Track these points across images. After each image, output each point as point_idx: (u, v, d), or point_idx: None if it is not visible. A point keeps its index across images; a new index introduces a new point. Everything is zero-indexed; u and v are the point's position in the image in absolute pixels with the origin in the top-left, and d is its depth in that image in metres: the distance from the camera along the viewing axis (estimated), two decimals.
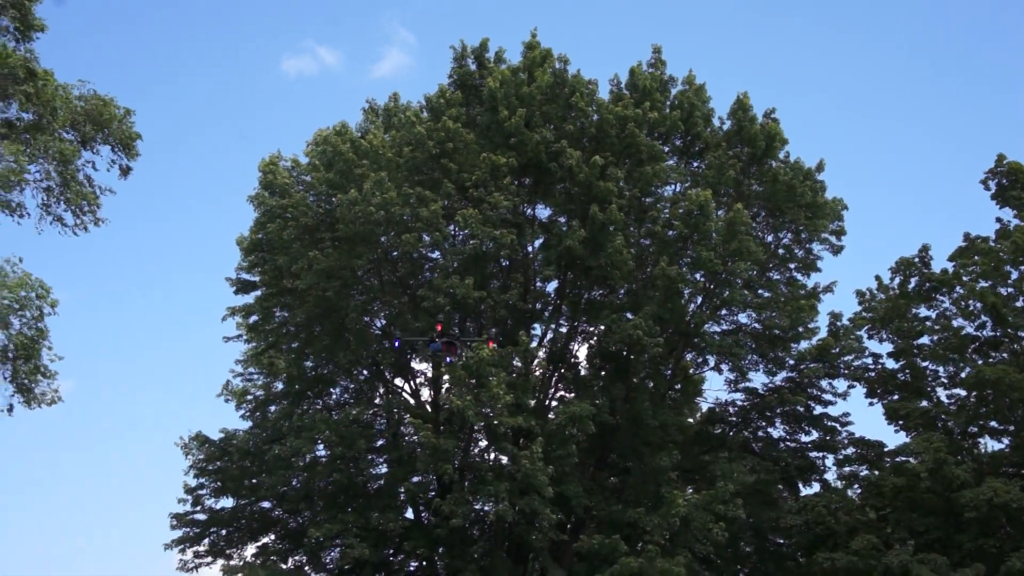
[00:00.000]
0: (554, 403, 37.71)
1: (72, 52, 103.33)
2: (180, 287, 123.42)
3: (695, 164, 39.38)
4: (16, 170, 26.26)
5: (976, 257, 39.43)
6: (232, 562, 38.18)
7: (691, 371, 40.00)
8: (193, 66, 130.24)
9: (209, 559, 39.11)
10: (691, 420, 41.31)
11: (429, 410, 37.08)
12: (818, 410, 40.70)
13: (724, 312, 39.13)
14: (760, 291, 38.65)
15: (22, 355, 27.38)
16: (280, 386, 40.15)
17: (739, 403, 41.44)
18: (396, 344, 33.94)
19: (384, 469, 38.32)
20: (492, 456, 35.26)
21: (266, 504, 39.01)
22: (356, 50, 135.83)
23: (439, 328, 30.97)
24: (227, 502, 39.33)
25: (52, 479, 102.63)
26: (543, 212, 38.45)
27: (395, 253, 35.52)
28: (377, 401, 38.06)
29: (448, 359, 32.08)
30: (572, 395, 37.53)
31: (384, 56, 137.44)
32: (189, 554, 38.92)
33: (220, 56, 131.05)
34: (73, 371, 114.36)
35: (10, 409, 27.68)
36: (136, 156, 29.36)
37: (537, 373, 36.67)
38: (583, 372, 38.67)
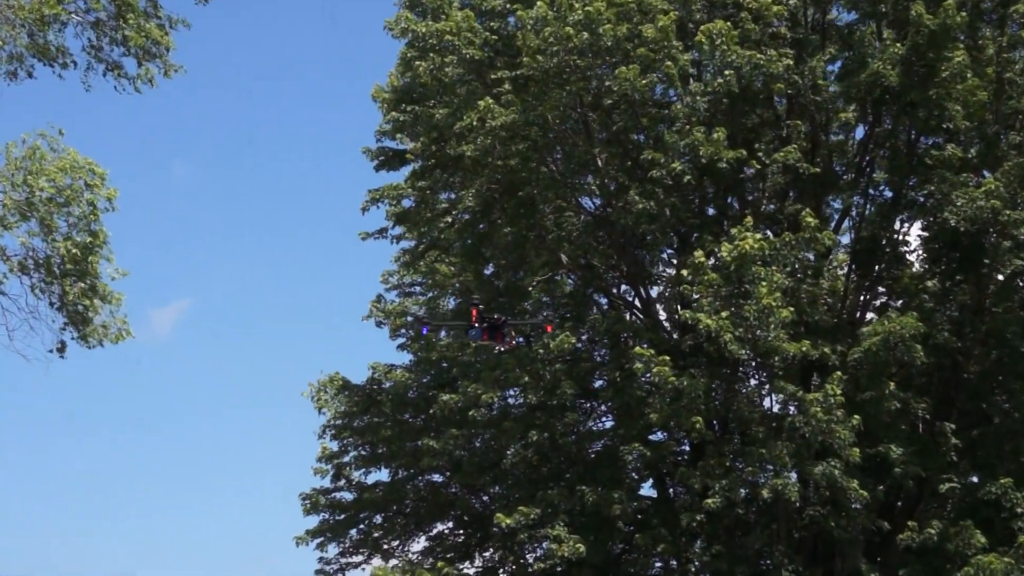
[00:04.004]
0: (868, 315, 37.23)
1: None
2: (298, 164, 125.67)
3: None
4: (50, 0, 26.32)
5: None
6: (392, 562, 39.43)
7: None
8: None
9: (360, 558, 40.55)
10: None
11: (672, 334, 37.05)
12: None
13: None
14: None
15: (72, 271, 27.99)
16: (452, 303, 40.79)
17: None
18: (424, 331, 36.65)
19: (607, 424, 38.78)
20: (766, 402, 35.21)
21: (437, 477, 40.00)
22: None
23: (474, 314, 32.39)
24: (381, 475, 40.58)
25: (148, 434, 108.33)
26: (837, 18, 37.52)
27: (608, 98, 35.02)
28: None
29: (498, 348, 34.13)
30: (893, 302, 36.92)
31: None
32: (332, 550, 40.38)
33: None
34: (188, 289, 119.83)
35: (61, 348, 28.37)
36: None
37: (836, 271, 36.25)
38: (913, 267, 37.92)
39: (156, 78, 28.69)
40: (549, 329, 34.37)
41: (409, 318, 41.92)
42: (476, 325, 32.47)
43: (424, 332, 37.26)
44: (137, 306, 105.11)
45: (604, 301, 39.28)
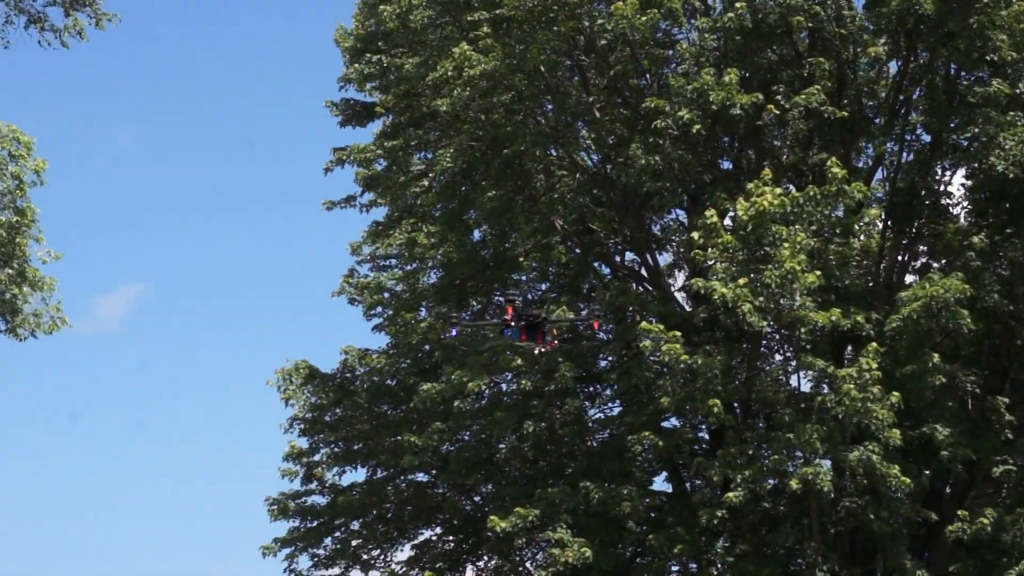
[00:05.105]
0: (907, 278, 37.21)
1: None
2: (258, 123, 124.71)
3: None
4: None
5: None
6: (373, 574, 39.76)
7: None
8: None
9: (337, 570, 40.44)
10: None
11: (685, 306, 37.13)
12: None
13: None
14: None
15: None
16: (432, 277, 41.03)
17: None
18: (453, 333, 35.72)
19: (613, 411, 38.77)
20: (793, 380, 35.11)
21: (421, 476, 40.00)
22: None
23: (510, 311, 31.52)
24: (357, 475, 40.52)
25: (96, 433, 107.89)
26: None
27: (603, 39, 34.92)
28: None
29: (538, 350, 32.94)
30: (935, 262, 36.95)
31: None
32: (303, 562, 40.30)
33: None
34: (138, 272, 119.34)
35: None
36: None
37: (869, 228, 35.79)
38: (957, 221, 37.56)
39: (86, 30, 28.97)
40: (596, 326, 34.69)
41: (386, 294, 41.72)
42: (512, 324, 31.69)
43: (454, 334, 36.41)
44: (80, 293, 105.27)
45: (606, 271, 39.23)
